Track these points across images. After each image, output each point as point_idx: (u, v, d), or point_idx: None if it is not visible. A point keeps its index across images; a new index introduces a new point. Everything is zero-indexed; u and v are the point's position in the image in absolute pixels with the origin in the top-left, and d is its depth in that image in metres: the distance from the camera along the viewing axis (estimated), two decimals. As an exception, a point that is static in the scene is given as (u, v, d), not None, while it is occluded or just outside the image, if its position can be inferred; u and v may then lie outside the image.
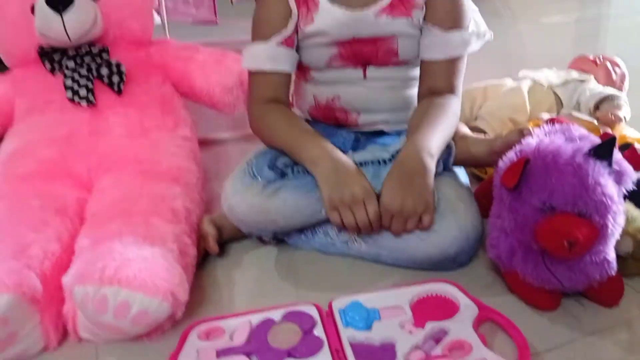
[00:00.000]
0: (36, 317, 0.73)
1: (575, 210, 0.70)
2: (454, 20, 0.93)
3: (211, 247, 0.92)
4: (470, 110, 1.31)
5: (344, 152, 0.91)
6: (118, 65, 1.08)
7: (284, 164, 0.90)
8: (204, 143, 1.27)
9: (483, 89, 1.34)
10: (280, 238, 0.95)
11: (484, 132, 1.22)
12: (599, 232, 0.70)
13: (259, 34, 0.96)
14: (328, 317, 0.76)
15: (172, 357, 0.71)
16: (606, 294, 0.79)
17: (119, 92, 1.07)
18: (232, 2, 2.01)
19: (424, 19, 0.93)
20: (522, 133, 0.86)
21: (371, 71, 0.97)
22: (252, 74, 0.98)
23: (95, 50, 1.09)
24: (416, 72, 0.99)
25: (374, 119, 1.00)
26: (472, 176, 1.09)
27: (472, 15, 0.96)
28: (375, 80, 0.97)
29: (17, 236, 0.80)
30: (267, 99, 0.96)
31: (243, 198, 0.87)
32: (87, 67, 1.07)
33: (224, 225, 0.94)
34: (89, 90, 1.05)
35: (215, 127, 1.41)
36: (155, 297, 0.71)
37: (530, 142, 0.77)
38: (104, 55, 1.09)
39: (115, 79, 1.07)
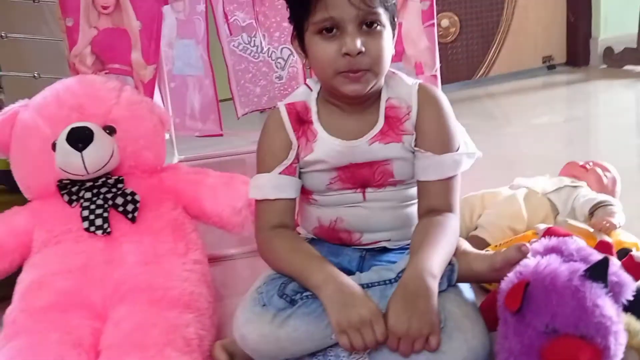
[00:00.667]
0: None
1: (577, 333, 0.72)
2: (444, 145, 0.99)
3: (223, 374, 0.93)
4: (470, 218, 1.35)
5: (351, 272, 0.94)
6: (132, 194, 1.14)
7: (293, 291, 0.92)
8: (213, 260, 1.31)
9: (480, 197, 1.39)
10: (291, 362, 0.96)
11: (485, 241, 1.26)
12: (602, 354, 0.72)
13: (263, 165, 1.03)
14: None
15: None
16: (619, 411, 0.79)
17: (133, 220, 1.12)
18: (237, 117, 2.14)
19: (416, 144, 0.99)
20: (520, 250, 0.89)
21: (370, 193, 1.02)
22: (258, 202, 1.03)
23: (111, 181, 1.16)
24: (414, 190, 1.04)
25: (376, 238, 1.04)
26: (479, 288, 1.11)
27: (461, 137, 1.03)
28: (375, 202, 1.02)
29: (35, 374, 0.82)
30: (273, 225, 1.00)
31: (254, 327, 0.89)
32: (103, 197, 1.13)
33: (235, 351, 0.95)
34: (104, 219, 1.10)
35: (224, 244, 1.45)
36: None
37: (528, 263, 0.81)
38: (119, 185, 1.16)
39: (130, 207, 1.13)
